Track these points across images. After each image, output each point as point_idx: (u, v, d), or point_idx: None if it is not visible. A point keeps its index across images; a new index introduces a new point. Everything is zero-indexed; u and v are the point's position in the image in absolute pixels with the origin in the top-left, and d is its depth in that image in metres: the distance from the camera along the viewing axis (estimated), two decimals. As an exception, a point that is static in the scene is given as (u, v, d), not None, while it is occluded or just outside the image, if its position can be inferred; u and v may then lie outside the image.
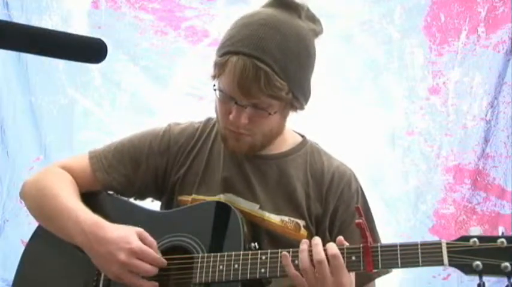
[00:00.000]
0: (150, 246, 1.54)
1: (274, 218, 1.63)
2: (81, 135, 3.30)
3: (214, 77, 1.58)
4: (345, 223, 1.64)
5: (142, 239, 1.54)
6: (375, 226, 1.69)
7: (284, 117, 1.64)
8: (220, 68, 1.55)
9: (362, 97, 3.35)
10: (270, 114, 1.56)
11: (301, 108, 1.63)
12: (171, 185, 1.72)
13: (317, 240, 1.44)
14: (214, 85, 1.59)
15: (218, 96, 1.58)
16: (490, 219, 3.22)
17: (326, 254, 1.41)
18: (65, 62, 3.20)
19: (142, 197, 1.78)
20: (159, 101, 3.36)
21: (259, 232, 1.62)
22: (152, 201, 1.80)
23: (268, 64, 1.50)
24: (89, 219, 1.57)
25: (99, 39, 1.04)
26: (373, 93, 3.36)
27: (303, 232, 1.63)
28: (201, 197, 1.67)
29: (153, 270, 1.52)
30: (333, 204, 1.65)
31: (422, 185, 3.29)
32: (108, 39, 1.19)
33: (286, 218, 1.63)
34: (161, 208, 1.78)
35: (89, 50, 1.04)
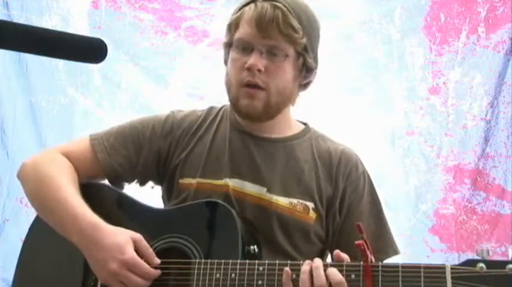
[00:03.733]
0: (145, 252, 1.53)
1: (283, 201, 1.63)
2: (81, 135, 3.27)
3: (227, 43, 1.66)
4: (353, 204, 1.66)
5: (138, 246, 1.53)
6: (381, 208, 1.71)
7: (296, 76, 1.66)
8: (235, 23, 1.63)
9: (362, 97, 3.35)
10: (287, 56, 1.60)
11: (312, 67, 1.67)
12: (172, 168, 1.71)
13: (318, 263, 1.42)
14: (229, 45, 1.65)
15: (234, 50, 1.64)
16: (490, 219, 3.22)
17: (327, 278, 1.38)
18: (65, 62, 3.20)
19: (143, 181, 1.77)
20: (159, 101, 3.36)
21: (267, 215, 1.62)
22: (152, 187, 1.78)
23: (284, 5, 1.59)
24: (87, 219, 1.55)
25: (99, 39, 1.05)
26: (373, 93, 3.36)
27: (312, 214, 1.63)
28: (206, 181, 1.66)
29: (143, 283, 1.51)
30: (342, 185, 1.66)
31: (422, 185, 3.28)
32: (108, 39, 1.19)
33: (295, 201, 1.63)
34: (162, 193, 1.77)
35: (89, 50, 1.04)
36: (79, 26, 3.35)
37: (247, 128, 1.70)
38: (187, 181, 1.68)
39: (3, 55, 3.23)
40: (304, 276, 1.40)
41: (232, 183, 1.64)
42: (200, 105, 3.20)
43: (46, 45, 0.99)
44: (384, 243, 1.67)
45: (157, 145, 1.72)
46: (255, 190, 1.64)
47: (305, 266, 1.42)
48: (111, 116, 3.34)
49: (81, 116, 3.35)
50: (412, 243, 3.16)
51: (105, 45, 1.04)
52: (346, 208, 1.66)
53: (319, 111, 3.07)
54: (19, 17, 3.28)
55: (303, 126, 1.77)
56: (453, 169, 3.28)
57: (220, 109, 1.77)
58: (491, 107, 3.27)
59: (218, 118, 1.75)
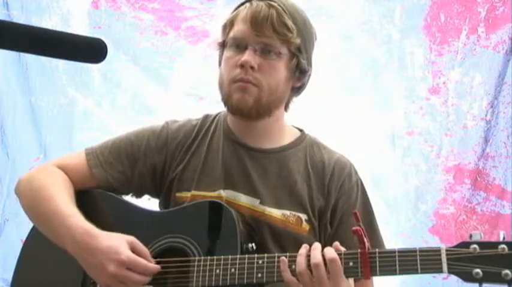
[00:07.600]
0: (141, 255, 1.53)
1: (276, 213, 1.63)
2: (81, 135, 3.30)
3: (222, 43, 1.67)
4: (346, 214, 1.65)
5: (133, 248, 1.53)
6: (374, 218, 1.71)
7: (289, 77, 1.66)
8: (230, 23, 1.65)
9: (362, 97, 3.35)
10: (280, 54, 1.60)
11: (305, 69, 1.67)
12: (169, 182, 1.72)
13: (316, 245, 1.44)
14: (223, 45, 1.67)
15: (228, 49, 1.64)
16: (490, 219, 3.22)
17: (323, 258, 1.40)
18: (65, 62, 3.20)
19: (139, 194, 1.77)
20: (159, 101, 3.36)
21: (260, 226, 1.62)
22: (149, 199, 1.79)
23: (279, 5, 1.62)
24: (80, 227, 1.55)
25: (99, 39, 1.04)
26: (373, 93, 3.35)
27: (305, 226, 1.63)
28: (200, 193, 1.66)
29: (144, 280, 1.51)
30: (335, 196, 1.66)
31: (422, 185, 3.28)
32: (108, 39, 1.19)
33: (287, 212, 1.63)
34: (159, 206, 1.77)
35: (89, 50, 1.04)
36: (79, 26, 3.35)
37: (241, 138, 1.71)
38: (184, 194, 1.69)
39: (3, 55, 3.23)
40: (300, 257, 1.42)
41: (226, 194, 1.65)
42: (200, 106, 3.22)
43: (46, 45, 0.99)
44: None
45: (152, 159, 1.72)
46: (248, 201, 1.64)
47: (302, 249, 1.43)
48: (111, 116, 3.34)
49: (81, 116, 3.35)
50: (412, 243, 3.15)
51: (105, 45, 1.04)
52: (338, 218, 1.66)
53: (319, 112, 3.08)
54: (19, 17, 3.28)
55: (298, 134, 1.76)
56: (453, 169, 3.28)
57: (215, 118, 1.77)
58: (491, 107, 3.27)
59: (212, 128, 1.75)
